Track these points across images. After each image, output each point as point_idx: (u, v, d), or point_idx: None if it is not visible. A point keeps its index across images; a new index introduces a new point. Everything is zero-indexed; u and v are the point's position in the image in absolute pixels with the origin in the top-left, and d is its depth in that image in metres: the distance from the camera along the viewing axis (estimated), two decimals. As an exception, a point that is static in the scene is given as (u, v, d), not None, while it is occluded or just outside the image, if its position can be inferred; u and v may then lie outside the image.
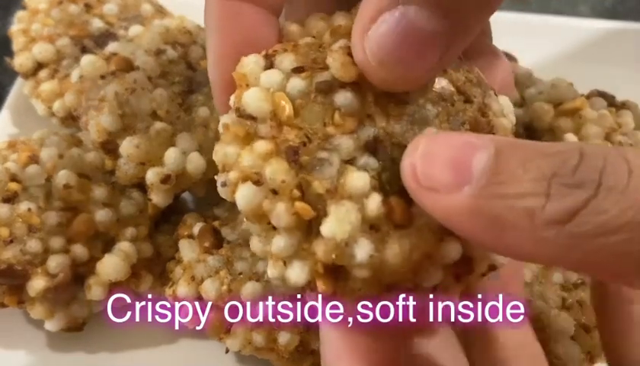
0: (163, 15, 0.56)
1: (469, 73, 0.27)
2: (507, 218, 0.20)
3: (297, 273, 0.24)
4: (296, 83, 0.25)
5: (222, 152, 0.26)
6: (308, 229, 0.24)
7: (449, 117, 0.25)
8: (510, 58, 0.53)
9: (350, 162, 0.24)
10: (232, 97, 0.27)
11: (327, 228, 0.23)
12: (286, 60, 0.26)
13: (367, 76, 0.25)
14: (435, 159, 0.21)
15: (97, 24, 0.52)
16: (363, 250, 0.23)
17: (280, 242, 0.24)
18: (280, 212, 0.24)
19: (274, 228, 0.24)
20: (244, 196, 0.24)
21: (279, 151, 0.24)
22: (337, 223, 0.23)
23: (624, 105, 0.48)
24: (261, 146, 0.24)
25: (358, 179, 0.23)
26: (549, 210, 0.19)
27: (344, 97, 0.25)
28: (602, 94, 0.48)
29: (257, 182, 0.24)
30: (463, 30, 0.23)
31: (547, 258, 0.20)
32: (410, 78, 0.24)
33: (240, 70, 0.27)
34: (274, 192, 0.24)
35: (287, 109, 0.25)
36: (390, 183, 0.24)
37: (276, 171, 0.24)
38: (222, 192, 0.26)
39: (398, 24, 0.23)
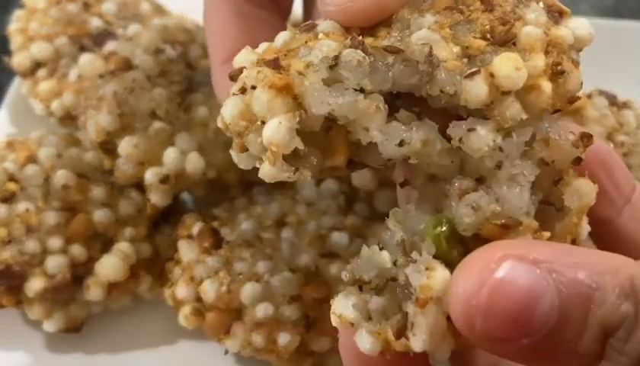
0: (162, 14, 0.56)
1: None
2: (556, 357, 0.21)
3: (364, 342, 0.24)
4: (282, 35, 0.26)
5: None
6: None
7: (453, 24, 0.24)
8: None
9: (335, 63, 0.23)
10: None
11: (418, 344, 0.22)
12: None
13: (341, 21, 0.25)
14: (497, 316, 0.20)
15: (95, 23, 0.51)
16: (443, 354, 0.23)
17: (258, 102, 0.23)
18: (254, 82, 0.23)
19: (263, 122, 0.23)
20: (225, 111, 0.24)
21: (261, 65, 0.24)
22: (429, 338, 0.22)
23: (625, 105, 0.48)
24: (246, 73, 0.24)
25: (441, 277, 0.22)
26: None
27: (325, 25, 0.25)
28: (603, 94, 0.48)
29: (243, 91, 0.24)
30: None
31: None
32: None
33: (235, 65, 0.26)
34: (253, 88, 0.23)
35: (271, 48, 0.25)
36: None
37: (251, 72, 0.23)
38: (242, 160, 0.25)
39: None
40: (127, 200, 0.43)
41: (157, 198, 0.42)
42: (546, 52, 0.24)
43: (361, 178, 0.42)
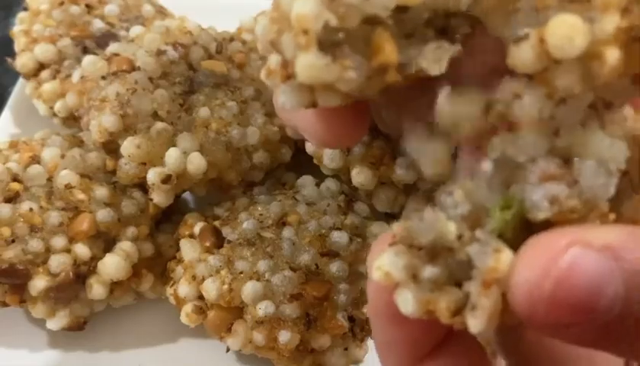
0: (164, 16, 0.56)
1: None
2: (617, 343, 0.21)
3: (407, 305, 0.22)
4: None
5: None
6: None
7: None
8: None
9: None
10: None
11: (476, 326, 0.21)
12: None
13: None
14: (560, 305, 0.20)
15: (98, 25, 0.52)
16: (489, 331, 0.21)
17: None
18: None
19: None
20: (258, 28, 0.23)
21: None
22: (488, 320, 0.21)
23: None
24: None
25: (507, 259, 0.21)
26: None
27: None
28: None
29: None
30: None
31: None
32: None
33: None
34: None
35: None
36: None
37: None
38: (288, 95, 0.24)
39: None
40: (130, 199, 0.44)
41: (159, 198, 0.43)
42: (626, 12, 0.20)
43: (361, 178, 0.42)
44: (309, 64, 0.22)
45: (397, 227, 0.23)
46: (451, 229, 0.22)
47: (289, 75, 0.23)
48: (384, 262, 0.22)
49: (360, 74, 0.22)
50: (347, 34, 0.22)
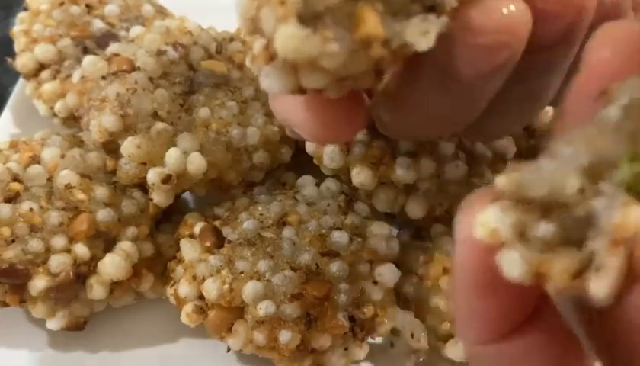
0: (164, 16, 0.56)
1: None
2: None
3: (514, 267, 0.19)
4: None
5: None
6: None
7: None
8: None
9: None
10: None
11: (600, 289, 0.18)
12: None
13: None
14: None
15: (98, 25, 0.52)
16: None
17: None
18: None
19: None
20: (238, 3, 0.23)
21: None
22: (613, 281, 0.18)
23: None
24: None
25: (637, 216, 0.18)
26: None
27: None
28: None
29: None
30: None
31: None
32: None
33: None
34: None
35: None
36: None
37: None
38: (272, 77, 0.23)
39: None
40: (130, 199, 0.44)
41: (159, 198, 0.43)
42: None
43: (361, 178, 0.42)
44: (289, 35, 0.21)
45: (502, 181, 0.20)
46: (573, 182, 0.19)
47: (271, 56, 0.22)
48: (490, 219, 0.20)
49: (343, 47, 0.22)
50: (329, 8, 0.21)
